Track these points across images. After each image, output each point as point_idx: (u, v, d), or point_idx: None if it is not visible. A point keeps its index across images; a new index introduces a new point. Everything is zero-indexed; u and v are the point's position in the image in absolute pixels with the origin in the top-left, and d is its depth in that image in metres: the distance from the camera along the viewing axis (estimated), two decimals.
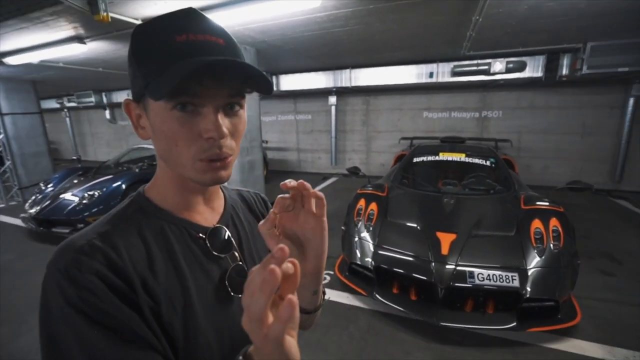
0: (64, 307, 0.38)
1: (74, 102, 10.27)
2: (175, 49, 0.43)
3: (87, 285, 0.39)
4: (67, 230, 4.06)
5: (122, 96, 9.58)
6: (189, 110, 0.44)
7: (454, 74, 5.54)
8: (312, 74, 6.78)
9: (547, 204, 2.69)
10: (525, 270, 2.21)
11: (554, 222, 2.46)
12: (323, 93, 7.54)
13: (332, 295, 2.83)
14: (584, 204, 5.22)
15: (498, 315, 2.21)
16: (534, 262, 2.24)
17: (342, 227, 3.06)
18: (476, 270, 2.23)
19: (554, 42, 4.33)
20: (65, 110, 11.93)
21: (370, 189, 3.27)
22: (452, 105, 6.98)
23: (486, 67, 5.17)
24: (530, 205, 2.72)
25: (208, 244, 0.53)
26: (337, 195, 6.31)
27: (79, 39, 3.57)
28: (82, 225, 4.04)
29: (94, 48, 3.96)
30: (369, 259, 2.59)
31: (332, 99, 7.64)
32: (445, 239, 2.47)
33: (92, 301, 0.39)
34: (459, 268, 2.26)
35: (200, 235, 0.53)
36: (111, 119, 11.41)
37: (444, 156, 3.85)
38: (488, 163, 3.66)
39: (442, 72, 5.67)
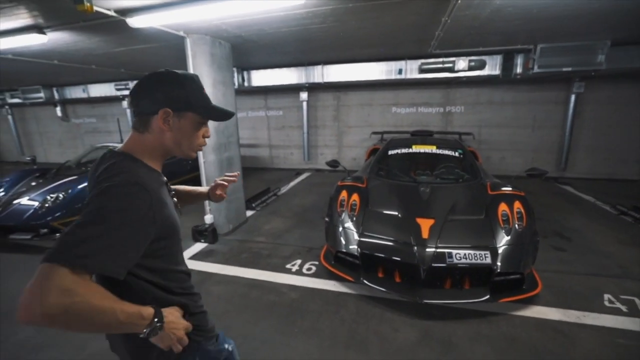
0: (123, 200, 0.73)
1: (18, 97, 9.32)
2: (207, 97, 0.92)
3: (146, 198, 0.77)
4: (28, 237, 3.75)
5: (77, 92, 8.88)
6: (204, 123, 0.95)
7: (422, 70, 5.85)
8: (284, 70, 6.79)
9: (510, 189, 2.99)
10: (496, 249, 2.46)
11: (517, 205, 2.76)
12: (294, 89, 7.57)
13: (320, 283, 2.93)
14: (536, 190, 5.79)
15: (473, 290, 2.45)
16: (502, 241, 2.51)
17: (326, 219, 3.16)
18: (454, 251, 2.44)
19: (509, 43, 4.75)
20: (7, 107, 10.81)
21: (350, 181, 3.40)
22: (418, 100, 7.35)
23: (451, 64, 5.53)
24: (496, 191, 3.01)
25: (170, 188, 0.98)
26: (313, 189, 6.42)
27: (38, 28, 3.31)
28: (45, 230, 3.76)
29: (53, 39, 3.69)
30: (354, 247, 2.72)
31: (304, 95, 7.70)
32: (425, 224, 2.67)
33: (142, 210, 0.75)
34: (438, 250, 2.46)
35: (164, 180, 0.93)
36: (63, 116, 10.54)
37: (416, 148, 4.09)
38: (456, 154, 3.96)
39: (410, 69, 5.96)
